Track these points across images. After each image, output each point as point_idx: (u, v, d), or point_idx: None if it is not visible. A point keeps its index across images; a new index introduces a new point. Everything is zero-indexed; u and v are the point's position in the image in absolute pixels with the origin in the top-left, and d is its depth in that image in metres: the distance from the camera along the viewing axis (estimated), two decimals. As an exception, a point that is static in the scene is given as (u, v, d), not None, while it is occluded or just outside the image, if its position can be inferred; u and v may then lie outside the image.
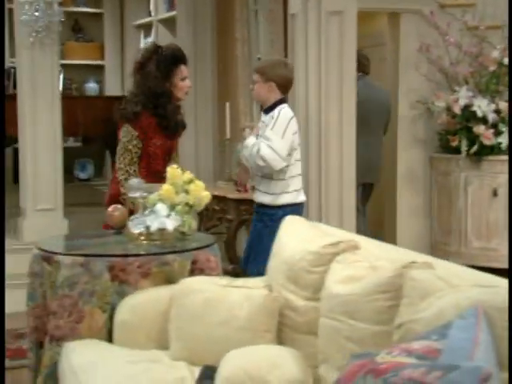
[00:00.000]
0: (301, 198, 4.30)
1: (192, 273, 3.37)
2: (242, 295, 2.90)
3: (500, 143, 5.79)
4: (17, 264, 5.43)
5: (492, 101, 5.82)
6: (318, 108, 4.92)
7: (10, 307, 5.12)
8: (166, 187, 3.53)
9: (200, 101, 6.29)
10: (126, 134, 4.11)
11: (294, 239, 2.94)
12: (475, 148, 5.77)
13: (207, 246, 3.49)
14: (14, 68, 6.94)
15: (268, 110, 4.24)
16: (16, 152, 8.04)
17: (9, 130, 6.34)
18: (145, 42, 7.97)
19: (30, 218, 5.98)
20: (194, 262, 3.40)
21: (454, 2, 6.12)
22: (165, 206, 3.46)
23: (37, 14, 5.53)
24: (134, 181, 3.68)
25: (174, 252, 3.37)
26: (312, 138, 4.95)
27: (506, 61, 5.79)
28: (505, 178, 5.71)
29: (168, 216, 3.45)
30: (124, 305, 3.21)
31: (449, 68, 5.99)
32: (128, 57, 8.46)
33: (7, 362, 4.40)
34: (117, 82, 8.56)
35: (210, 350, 2.87)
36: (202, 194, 3.59)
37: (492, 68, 5.86)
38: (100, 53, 8.59)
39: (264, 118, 4.26)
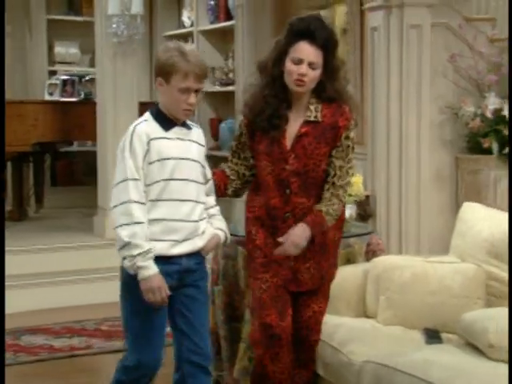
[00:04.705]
0: None
1: (366, 254, 3.89)
2: (451, 269, 3.45)
3: (530, 144, 6.44)
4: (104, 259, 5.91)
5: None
6: (399, 116, 5.49)
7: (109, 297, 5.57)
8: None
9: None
10: None
11: (486, 221, 3.50)
12: (508, 149, 6.38)
13: (373, 232, 4.04)
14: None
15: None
16: (56, 156, 8.42)
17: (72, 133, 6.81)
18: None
19: (109, 217, 6.31)
20: (367, 245, 3.92)
21: (477, 16, 6.75)
22: (340, 197, 3.96)
23: (123, 26, 5.94)
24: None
25: (357, 235, 3.90)
26: (393, 146, 5.52)
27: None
28: (534, 175, 6.35)
29: (344, 205, 3.95)
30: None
31: (476, 76, 6.59)
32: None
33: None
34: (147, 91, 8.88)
35: (424, 316, 3.41)
36: (360, 185, 4.12)
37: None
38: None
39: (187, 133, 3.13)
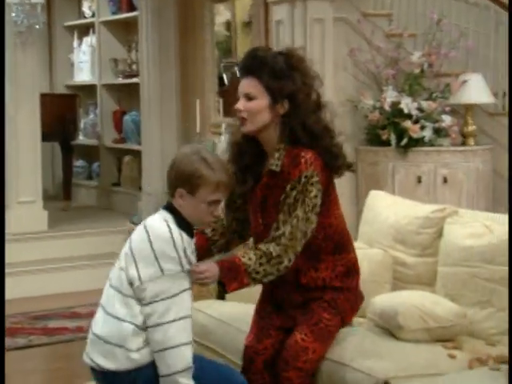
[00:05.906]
0: None
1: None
2: (359, 254, 3.54)
3: (424, 136, 6.67)
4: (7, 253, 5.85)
5: (413, 99, 6.69)
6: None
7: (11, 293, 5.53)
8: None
9: (165, 97, 6.76)
10: None
11: (392, 208, 3.64)
12: (405, 141, 6.60)
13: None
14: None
15: None
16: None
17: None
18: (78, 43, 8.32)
19: (13, 210, 6.30)
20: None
21: (374, 12, 6.95)
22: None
23: (23, 15, 5.88)
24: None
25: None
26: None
27: (425, 65, 6.67)
28: (427, 166, 6.58)
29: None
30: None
31: (374, 70, 6.80)
32: (58, 57, 8.71)
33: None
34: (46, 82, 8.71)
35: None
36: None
37: (417, 71, 6.73)
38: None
39: None
